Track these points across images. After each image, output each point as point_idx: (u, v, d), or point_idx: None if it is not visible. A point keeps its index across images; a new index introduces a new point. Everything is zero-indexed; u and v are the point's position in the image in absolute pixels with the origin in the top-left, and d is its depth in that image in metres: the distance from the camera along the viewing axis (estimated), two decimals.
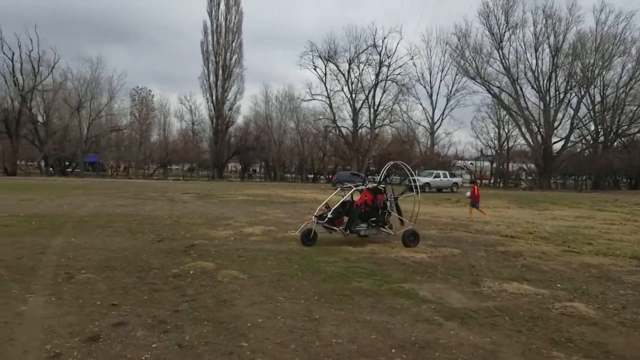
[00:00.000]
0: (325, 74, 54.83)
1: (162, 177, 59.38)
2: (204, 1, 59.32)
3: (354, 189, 9.37)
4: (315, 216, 8.93)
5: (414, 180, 9.76)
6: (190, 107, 63.86)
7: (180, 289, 5.35)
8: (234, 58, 58.75)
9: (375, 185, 9.35)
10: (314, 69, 54.72)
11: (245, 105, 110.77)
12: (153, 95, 67.07)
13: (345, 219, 8.96)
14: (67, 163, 57.95)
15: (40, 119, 53.64)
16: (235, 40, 58.60)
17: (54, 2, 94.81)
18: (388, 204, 9.23)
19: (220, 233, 9.76)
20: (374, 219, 9.00)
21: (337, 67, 54.57)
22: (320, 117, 58.02)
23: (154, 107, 66.10)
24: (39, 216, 11.92)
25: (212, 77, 58.39)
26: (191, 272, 6.17)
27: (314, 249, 8.21)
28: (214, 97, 58.60)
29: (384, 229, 9.13)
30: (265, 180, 58.95)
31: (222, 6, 57.96)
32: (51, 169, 54.80)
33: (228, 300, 4.95)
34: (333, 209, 8.83)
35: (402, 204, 9.78)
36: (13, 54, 49.52)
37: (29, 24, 72.68)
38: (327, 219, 8.72)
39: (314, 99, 55.99)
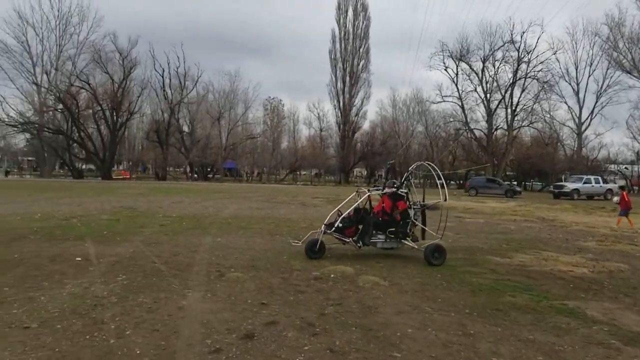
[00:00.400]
0: (457, 74, 52.30)
1: (291, 181, 62.01)
2: (333, 11, 60.90)
3: (369, 193, 8.06)
4: (325, 224, 7.70)
5: (441, 185, 7.78)
6: (318, 114, 66.26)
7: (323, 292, 5.34)
8: (361, 64, 59.69)
9: (394, 190, 7.84)
10: (445, 70, 52.52)
11: (372, 110, 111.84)
12: (284, 104, 70.79)
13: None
14: (208, 169, 63.26)
15: (186, 128, 59.38)
16: (363, 46, 59.52)
17: (199, 22, 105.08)
18: (411, 212, 7.74)
19: None
20: (393, 229, 7.63)
21: (470, 66, 51.72)
22: (451, 119, 55.79)
23: (284, 115, 69.75)
24: (188, 217, 12.98)
25: (339, 84, 59.85)
26: (332, 275, 6.15)
27: (456, 258, 7.72)
28: (341, 104, 60.00)
29: (406, 242, 7.70)
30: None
31: (350, 13, 59.27)
32: (195, 174, 60.35)
33: (373, 306, 4.80)
34: (342, 216, 7.58)
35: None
36: (163, 70, 55.83)
37: (176, 43, 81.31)
38: (334, 227, 7.52)
39: (444, 101, 53.94)
